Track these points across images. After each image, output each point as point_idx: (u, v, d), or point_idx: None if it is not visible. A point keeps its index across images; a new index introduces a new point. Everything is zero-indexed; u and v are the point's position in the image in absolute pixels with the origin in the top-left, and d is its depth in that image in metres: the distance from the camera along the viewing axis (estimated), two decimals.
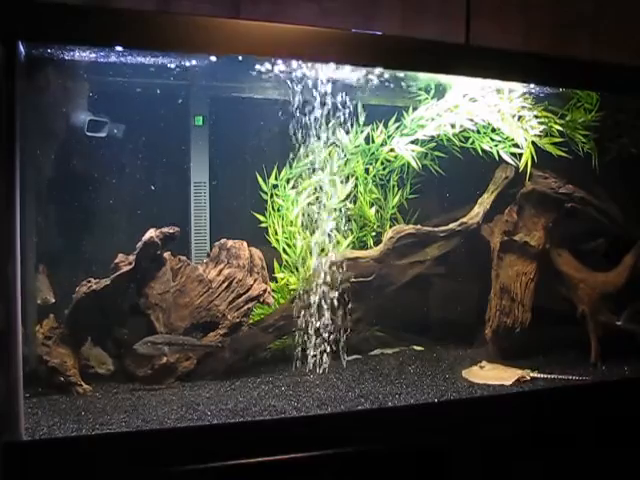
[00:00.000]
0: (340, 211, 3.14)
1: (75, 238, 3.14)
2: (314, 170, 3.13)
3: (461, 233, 3.38)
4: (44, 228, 2.90)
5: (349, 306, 3.06)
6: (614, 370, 3.11)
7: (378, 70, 2.83)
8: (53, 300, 2.86)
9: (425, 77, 3.07)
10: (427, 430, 2.51)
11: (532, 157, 3.17)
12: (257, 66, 2.74)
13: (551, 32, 2.96)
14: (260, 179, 3.27)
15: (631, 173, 3.37)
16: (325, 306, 3.03)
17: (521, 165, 3.19)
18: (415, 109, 3.28)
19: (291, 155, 3.13)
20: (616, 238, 3.42)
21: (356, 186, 3.30)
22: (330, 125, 3.03)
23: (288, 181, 3.25)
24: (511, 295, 3.26)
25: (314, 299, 3.03)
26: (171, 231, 2.95)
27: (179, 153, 3.34)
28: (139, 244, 2.86)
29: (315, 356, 3.01)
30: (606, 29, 3.06)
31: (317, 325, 3.02)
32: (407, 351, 3.42)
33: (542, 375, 2.93)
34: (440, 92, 3.22)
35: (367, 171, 3.38)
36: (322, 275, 3.04)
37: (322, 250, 3.09)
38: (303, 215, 3.18)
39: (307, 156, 3.14)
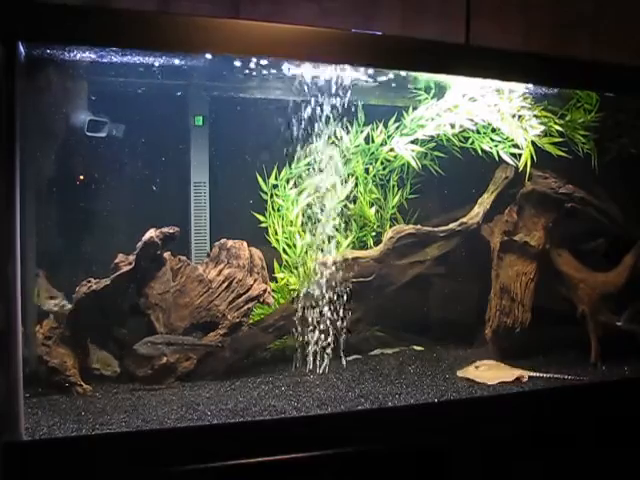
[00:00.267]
0: (340, 211, 3.15)
1: (75, 238, 3.14)
2: (314, 170, 3.13)
3: (461, 233, 3.38)
4: (44, 228, 2.90)
5: (349, 306, 3.06)
6: (614, 370, 3.11)
7: (378, 70, 2.82)
8: (69, 305, 2.79)
9: (425, 77, 3.07)
10: (427, 430, 2.51)
11: (532, 157, 3.16)
12: (257, 66, 2.74)
13: (551, 32, 2.96)
14: (260, 179, 3.27)
15: (631, 173, 3.37)
16: (325, 306, 3.03)
17: (520, 165, 3.19)
18: (415, 109, 3.28)
19: (290, 154, 3.13)
20: (616, 238, 3.42)
21: (356, 186, 3.30)
22: (330, 125, 3.03)
23: (288, 181, 3.25)
24: (511, 295, 3.26)
25: (314, 299, 3.03)
26: (171, 231, 2.95)
27: (179, 153, 3.34)
28: (139, 244, 2.86)
29: (315, 356, 3.01)
30: (606, 29, 3.06)
31: (317, 325, 3.02)
32: (407, 351, 3.42)
33: (537, 374, 2.93)
34: (440, 92, 3.22)
35: (367, 171, 3.38)
36: (322, 275, 3.03)
37: (322, 250, 3.09)
38: (303, 215, 3.18)
39: (307, 156, 3.14)
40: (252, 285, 3.06)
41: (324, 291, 3.03)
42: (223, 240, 3.13)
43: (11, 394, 2.10)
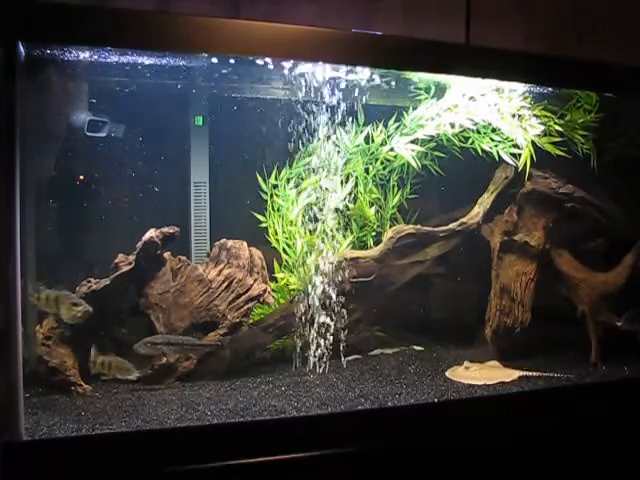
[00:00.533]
0: (340, 211, 3.15)
1: (74, 238, 3.14)
2: (314, 170, 3.13)
3: (461, 233, 3.38)
4: (43, 227, 2.90)
5: (349, 306, 3.06)
6: (614, 370, 3.11)
7: (377, 69, 2.82)
8: (91, 309, 2.70)
9: (425, 77, 3.07)
10: (427, 430, 2.51)
11: (531, 157, 3.16)
12: (256, 66, 2.74)
13: (551, 32, 2.96)
14: (260, 179, 3.27)
15: (631, 173, 3.37)
16: (325, 306, 3.03)
17: (520, 165, 3.19)
18: (415, 109, 3.28)
19: (291, 154, 3.13)
20: (616, 238, 3.42)
21: (356, 185, 3.31)
22: (329, 124, 3.03)
23: (288, 181, 3.25)
24: (511, 295, 3.26)
25: (314, 299, 3.03)
26: (171, 231, 2.95)
27: (179, 153, 3.34)
28: (139, 244, 2.87)
29: (315, 356, 3.01)
30: (606, 29, 3.06)
31: (317, 325, 3.02)
32: (407, 351, 3.42)
33: (528, 373, 2.93)
34: (439, 92, 3.22)
35: (367, 171, 3.38)
36: (322, 275, 3.04)
37: (321, 251, 3.09)
38: (303, 216, 3.18)
39: (307, 156, 3.15)
40: (252, 285, 3.06)
41: (324, 291, 3.03)
42: (223, 240, 3.13)
43: (11, 394, 2.10)
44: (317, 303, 3.03)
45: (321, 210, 3.12)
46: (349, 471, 2.37)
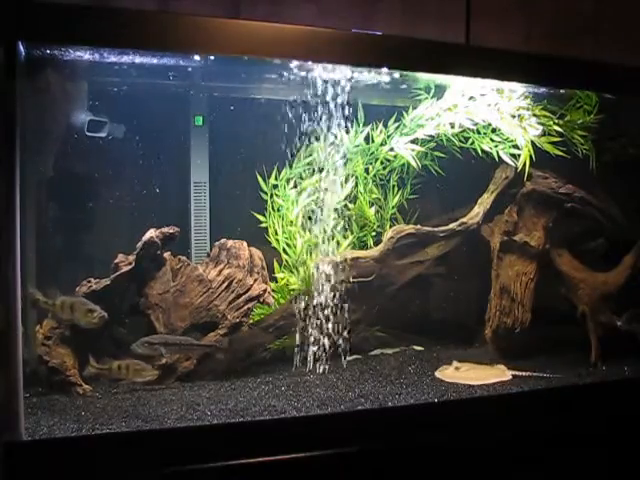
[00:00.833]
0: (340, 211, 3.15)
1: (73, 238, 3.14)
2: (314, 170, 3.14)
3: (461, 233, 3.38)
4: (43, 227, 2.90)
5: (349, 306, 3.06)
6: (614, 370, 3.11)
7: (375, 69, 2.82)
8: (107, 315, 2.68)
9: (424, 77, 3.07)
10: (427, 430, 2.51)
11: (531, 157, 3.16)
12: (256, 66, 2.74)
13: (551, 32, 2.97)
14: (260, 179, 3.27)
15: (631, 173, 3.37)
16: (325, 306, 3.03)
17: (519, 165, 3.19)
18: (414, 108, 3.28)
19: (291, 154, 3.13)
20: (616, 238, 3.42)
21: (356, 185, 3.31)
22: (329, 124, 3.03)
23: (288, 181, 3.25)
24: (511, 295, 3.26)
25: (314, 299, 3.03)
26: (171, 231, 2.95)
27: (179, 153, 3.34)
28: (139, 244, 2.87)
29: (315, 356, 3.01)
30: (606, 29, 3.06)
31: (317, 325, 3.02)
32: (407, 351, 3.42)
33: (520, 373, 2.94)
34: (438, 91, 3.22)
35: (367, 171, 3.38)
36: (322, 275, 3.03)
37: (322, 251, 3.09)
38: (303, 216, 3.18)
39: (307, 156, 3.15)
40: (252, 285, 3.06)
41: (324, 291, 3.03)
42: (223, 240, 3.12)
43: (11, 394, 2.10)
44: (317, 303, 3.03)
45: (321, 210, 3.12)
46: (349, 471, 2.37)
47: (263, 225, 3.28)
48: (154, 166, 3.25)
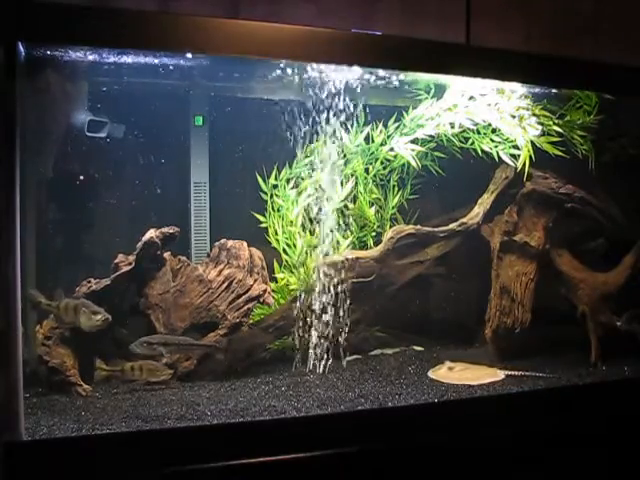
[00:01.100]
0: (340, 211, 3.15)
1: (74, 238, 3.14)
2: (314, 170, 3.14)
3: (461, 233, 3.38)
4: (43, 227, 2.91)
5: (349, 306, 3.06)
6: (614, 370, 3.10)
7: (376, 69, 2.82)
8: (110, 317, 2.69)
9: (424, 77, 3.07)
10: (427, 430, 2.51)
11: (531, 157, 3.16)
12: (256, 66, 2.74)
13: (551, 32, 2.96)
14: (260, 179, 3.27)
15: (631, 173, 3.37)
16: (325, 306, 3.03)
17: (519, 165, 3.19)
18: (414, 108, 3.28)
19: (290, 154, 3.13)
20: (616, 238, 3.42)
21: (356, 185, 3.31)
22: (329, 124, 3.03)
23: (288, 181, 3.25)
24: (511, 295, 3.26)
25: (314, 299, 3.03)
26: (171, 231, 2.95)
27: (179, 153, 3.34)
28: (139, 244, 2.87)
29: (315, 356, 3.01)
30: (606, 29, 3.06)
31: (317, 325, 3.02)
32: (407, 351, 3.42)
33: (514, 372, 2.94)
34: (438, 91, 3.22)
35: (367, 171, 3.38)
36: (322, 275, 3.04)
37: (322, 250, 3.09)
38: (303, 217, 3.18)
39: (307, 156, 3.15)
40: (252, 285, 3.06)
41: (324, 291, 3.03)
42: (223, 240, 3.13)
43: (11, 394, 2.10)
44: (317, 303, 3.03)
45: (321, 210, 3.12)
46: (349, 471, 2.37)
47: (263, 225, 3.28)
48: (154, 166, 3.25)
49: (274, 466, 2.25)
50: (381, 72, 2.81)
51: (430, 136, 3.28)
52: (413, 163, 3.25)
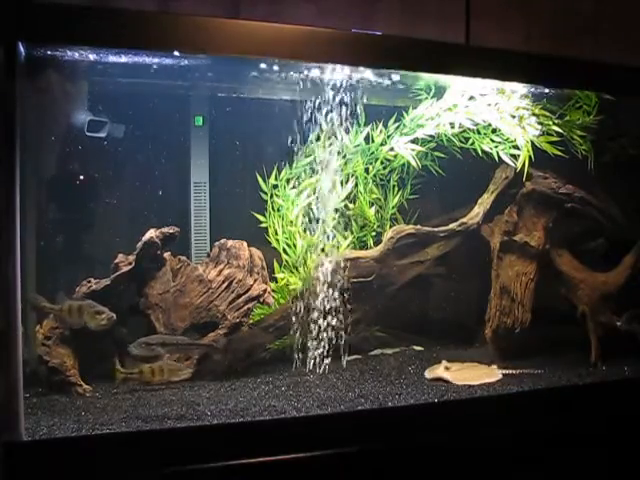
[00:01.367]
0: (340, 211, 3.15)
1: (73, 237, 3.14)
2: (314, 170, 3.14)
3: (461, 233, 3.38)
4: (44, 227, 2.91)
5: (349, 306, 3.06)
6: (614, 370, 3.10)
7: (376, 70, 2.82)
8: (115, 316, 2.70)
9: (424, 77, 3.07)
10: (427, 430, 2.51)
11: (530, 157, 3.16)
12: (256, 66, 2.74)
13: (551, 32, 2.97)
14: (260, 179, 3.27)
15: (631, 173, 3.37)
16: (325, 306, 3.03)
17: (519, 165, 3.19)
18: (414, 108, 3.28)
19: (290, 154, 3.13)
20: (616, 238, 3.42)
21: (356, 185, 3.31)
22: (329, 124, 3.03)
23: (288, 181, 3.25)
24: (511, 295, 3.26)
25: (314, 299, 3.03)
26: (171, 231, 2.95)
27: (179, 153, 3.34)
28: (139, 244, 2.87)
29: (315, 356, 3.01)
30: (606, 29, 3.06)
31: (317, 325, 3.02)
32: (407, 351, 3.42)
33: (511, 371, 2.95)
34: (438, 91, 3.22)
35: (367, 171, 3.38)
36: (322, 275, 3.04)
37: (322, 250, 3.09)
38: (303, 216, 3.18)
39: (307, 156, 3.15)
40: (252, 285, 3.06)
41: (324, 291, 3.03)
42: (223, 240, 3.13)
43: (11, 394, 2.10)
44: (317, 303, 3.03)
45: (319, 210, 3.12)
46: (349, 471, 2.37)
47: (263, 225, 3.28)
48: (154, 166, 3.25)
49: (274, 466, 2.25)
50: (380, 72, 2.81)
51: (430, 136, 3.28)
52: (413, 163, 3.25)
